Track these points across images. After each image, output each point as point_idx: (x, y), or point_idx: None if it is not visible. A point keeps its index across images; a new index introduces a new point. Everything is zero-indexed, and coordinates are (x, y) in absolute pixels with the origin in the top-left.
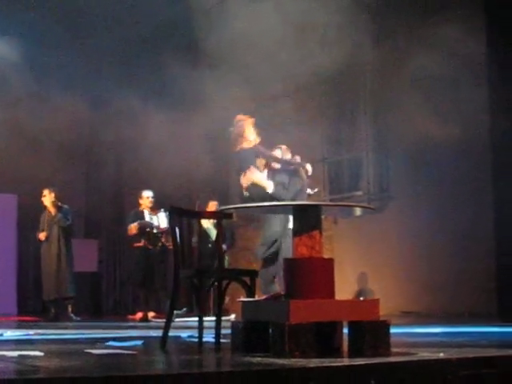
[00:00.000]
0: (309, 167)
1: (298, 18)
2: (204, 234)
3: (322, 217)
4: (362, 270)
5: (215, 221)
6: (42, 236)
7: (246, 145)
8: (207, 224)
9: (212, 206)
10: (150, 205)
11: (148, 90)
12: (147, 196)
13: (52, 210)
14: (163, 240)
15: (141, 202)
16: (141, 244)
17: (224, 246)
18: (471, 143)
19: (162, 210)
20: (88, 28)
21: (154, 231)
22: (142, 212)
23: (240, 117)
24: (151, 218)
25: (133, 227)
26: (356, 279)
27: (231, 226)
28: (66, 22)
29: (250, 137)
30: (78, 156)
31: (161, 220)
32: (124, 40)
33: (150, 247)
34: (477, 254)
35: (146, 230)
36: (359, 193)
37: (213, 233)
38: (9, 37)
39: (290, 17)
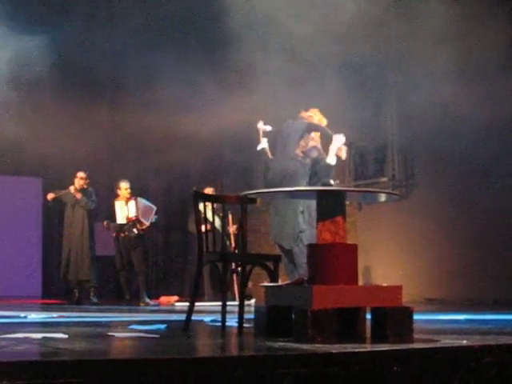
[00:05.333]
0: (344, 151)
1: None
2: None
3: (346, 203)
4: (386, 256)
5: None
6: (49, 196)
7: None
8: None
9: (208, 192)
10: (127, 195)
11: (166, 77)
12: (125, 187)
13: (78, 195)
14: (138, 227)
15: (119, 192)
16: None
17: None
18: (498, 130)
19: (133, 198)
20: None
21: (123, 222)
22: (114, 206)
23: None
24: (121, 209)
25: (105, 224)
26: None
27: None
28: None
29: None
30: (102, 139)
31: (130, 209)
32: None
33: (123, 235)
34: (502, 241)
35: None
36: (384, 179)
37: (216, 220)
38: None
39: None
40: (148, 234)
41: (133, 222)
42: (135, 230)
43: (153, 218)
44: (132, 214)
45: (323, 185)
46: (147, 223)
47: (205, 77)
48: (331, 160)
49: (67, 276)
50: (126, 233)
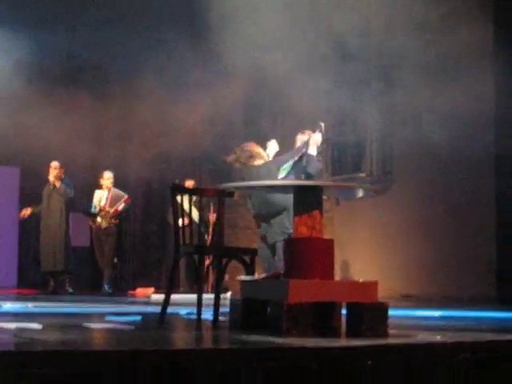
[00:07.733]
0: (317, 136)
1: None
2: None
3: (324, 197)
4: (362, 251)
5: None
6: (23, 213)
7: (261, 160)
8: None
9: (189, 185)
10: (110, 185)
11: (148, 67)
12: (107, 177)
13: (57, 183)
14: (108, 219)
15: (101, 182)
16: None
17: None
18: (475, 126)
19: (109, 188)
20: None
21: (92, 211)
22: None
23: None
24: (98, 198)
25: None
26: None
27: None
28: None
29: (263, 153)
30: (82, 128)
31: (103, 199)
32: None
33: (94, 226)
34: (478, 238)
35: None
36: (362, 174)
37: (194, 212)
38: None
39: None
40: (126, 224)
41: (102, 211)
42: (104, 223)
43: (119, 205)
44: (103, 203)
45: (307, 175)
46: (111, 210)
47: (189, 68)
48: (312, 150)
49: (47, 267)
50: (97, 224)
